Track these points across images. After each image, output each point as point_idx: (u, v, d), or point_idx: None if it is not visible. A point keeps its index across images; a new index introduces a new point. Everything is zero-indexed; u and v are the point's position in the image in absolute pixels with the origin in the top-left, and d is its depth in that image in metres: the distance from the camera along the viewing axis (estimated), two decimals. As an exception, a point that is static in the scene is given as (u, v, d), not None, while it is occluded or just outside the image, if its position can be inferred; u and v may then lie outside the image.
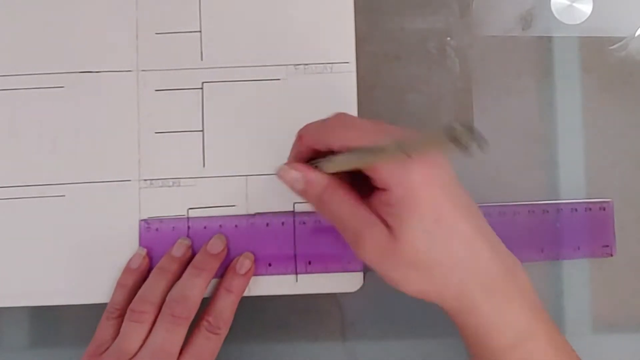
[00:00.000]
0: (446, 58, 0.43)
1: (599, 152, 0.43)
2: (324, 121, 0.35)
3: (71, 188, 0.41)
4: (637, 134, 0.43)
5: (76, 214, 0.41)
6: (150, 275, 0.39)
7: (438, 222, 0.32)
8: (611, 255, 0.41)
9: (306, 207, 0.41)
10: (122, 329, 0.37)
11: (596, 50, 0.43)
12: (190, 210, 0.41)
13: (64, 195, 0.41)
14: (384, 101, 0.43)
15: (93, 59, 0.42)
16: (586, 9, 0.43)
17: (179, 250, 0.40)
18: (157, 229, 0.41)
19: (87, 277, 0.41)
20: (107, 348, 0.37)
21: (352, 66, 0.42)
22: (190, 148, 0.42)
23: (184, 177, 0.42)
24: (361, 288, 0.41)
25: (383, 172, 0.32)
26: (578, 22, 0.43)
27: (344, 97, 0.42)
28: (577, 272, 0.42)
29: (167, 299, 0.37)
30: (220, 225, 0.41)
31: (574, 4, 0.43)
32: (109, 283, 0.40)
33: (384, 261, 0.33)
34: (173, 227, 0.41)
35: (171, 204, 0.41)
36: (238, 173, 0.42)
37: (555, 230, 0.41)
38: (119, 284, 0.40)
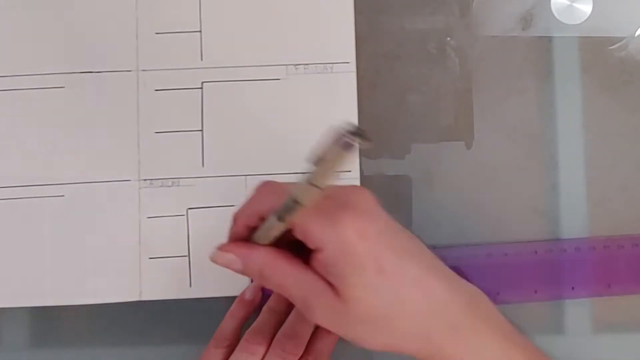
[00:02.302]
0: (446, 58, 0.43)
1: (599, 152, 0.43)
2: (251, 195, 0.34)
3: (71, 188, 0.41)
4: (637, 134, 0.43)
5: (76, 214, 0.41)
6: (263, 310, 0.39)
7: (381, 274, 0.30)
8: None
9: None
10: (232, 358, 0.37)
11: (596, 50, 0.43)
12: (189, 210, 0.41)
13: (63, 195, 0.41)
14: (384, 101, 0.43)
15: (93, 59, 0.42)
16: (586, 9, 0.43)
17: None
18: None
19: (87, 277, 0.41)
20: None
21: (352, 66, 0.42)
22: (190, 148, 0.42)
23: (183, 177, 0.42)
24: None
25: (314, 232, 0.30)
26: (578, 22, 0.43)
27: (344, 97, 0.42)
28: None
29: (278, 334, 0.37)
30: None
31: (574, 4, 0.43)
32: (109, 283, 0.40)
33: (338, 323, 0.32)
34: None
35: (171, 204, 0.41)
36: (237, 173, 0.42)
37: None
38: (230, 314, 0.39)
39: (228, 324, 0.39)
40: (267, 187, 0.33)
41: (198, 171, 0.42)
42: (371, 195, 0.32)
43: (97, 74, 0.42)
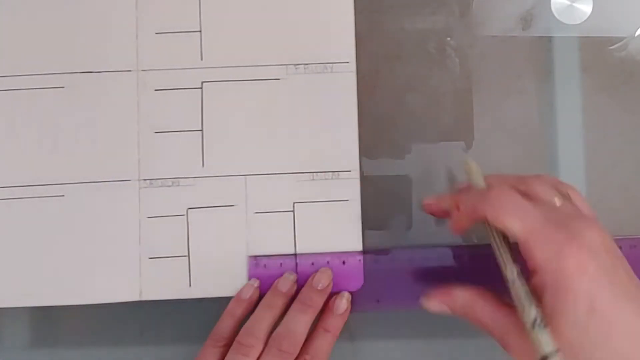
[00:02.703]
0: (446, 58, 0.43)
1: (599, 152, 0.43)
2: (482, 192, 0.34)
3: (71, 188, 0.41)
4: (637, 134, 0.43)
5: (76, 214, 0.41)
6: (257, 309, 0.39)
7: (593, 315, 0.30)
8: None
9: (306, 205, 0.41)
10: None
11: (596, 50, 0.43)
12: (189, 210, 0.41)
13: (63, 195, 0.41)
14: (384, 101, 0.43)
15: (93, 59, 0.42)
16: (586, 9, 0.43)
17: (285, 285, 0.40)
18: (264, 265, 0.41)
19: (87, 277, 0.41)
20: None
21: (352, 66, 0.42)
22: (190, 148, 0.42)
23: (183, 176, 0.42)
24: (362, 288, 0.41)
25: (536, 256, 0.31)
26: (578, 22, 0.43)
27: (344, 97, 0.42)
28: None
29: (274, 334, 0.38)
30: (328, 262, 0.41)
31: (574, 4, 0.43)
32: (109, 283, 0.40)
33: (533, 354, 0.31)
34: (281, 264, 0.41)
35: (171, 204, 0.41)
36: (237, 173, 0.42)
37: None
38: (228, 312, 0.40)
39: (225, 322, 0.39)
40: (501, 193, 0.33)
41: (198, 171, 0.42)
42: (603, 232, 0.32)
43: (97, 73, 0.42)
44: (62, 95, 0.42)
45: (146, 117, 0.42)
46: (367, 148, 0.42)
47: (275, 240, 0.41)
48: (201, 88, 0.42)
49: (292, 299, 0.40)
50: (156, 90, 0.42)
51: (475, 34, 0.43)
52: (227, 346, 0.38)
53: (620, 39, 0.43)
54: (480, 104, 0.43)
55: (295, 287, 0.40)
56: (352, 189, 0.41)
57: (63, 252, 0.41)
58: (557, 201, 0.33)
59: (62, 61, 0.42)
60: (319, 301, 0.39)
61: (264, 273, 0.41)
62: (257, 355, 0.37)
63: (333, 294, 0.40)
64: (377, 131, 0.42)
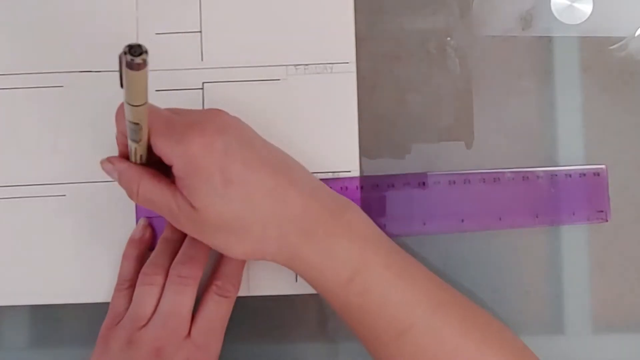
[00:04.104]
0: (446, 58, 0.43)
1: (599, 152, 0.43)
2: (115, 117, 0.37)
3: (71, 188, 0.41)
4: (637, 134, 0.43)
5: (76, 214, 0.41)
6: (157, 245, 0.40)
7: (229, 184, 0.33)
8: (606, 220, 0.41)
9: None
10: (134, 295, 0.38)
11: (596, 50, 0.43)
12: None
13: (64, 195, 0.41)
14: (384, 101, 0.43)
15: (93, 59, 0.42)
16: (586, 9, 0.43)
17: None
18: None
19: (87, 277, 0.41)
20: (123, 318, 0.38)
21: (352, 66, 0.42)
22: (191, 148, 0.42)
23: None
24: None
25: (164, 148, 0.33)
26: (578, 22, 0.43)
27: (344, 97, 0.42)
28: (577, 271, 0.42)
29: (174, 262, 0.38)
30: None
31: (574, 4, 0.43)
32: (109, 283, 0.40)
33: (200, 231, 0.35)
34: None
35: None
36: (238, 173, 0.42)
37: (549, 196, 0.41)
38: (125, 256, 0.40)
39: (124, 266, 0.40)
40: (120, 110, 0.36)
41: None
42: (230, 117, 0.35)
43: (97, 73, 0.42)
44: (62, 94, 0.42)
45: (146, 117, 0.42)
46: (367, 148, 0.42)
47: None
48: (202, 89, 0.42)
49: None
50: (157, 90, 0.42)
51: (475, 34, 0.43)
52: (132, 287, 0.38)
53: (620, 39, 0.43)
54: (480, 104, 0.43)
55: None
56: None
57: (63, 252, 0.41)
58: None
59: (62, 60, 0.42)
60: None
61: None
62: (162, 284, 0.37)
63: None
64: (377, 131, 0.42)
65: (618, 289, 0.42)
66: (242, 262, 0.39)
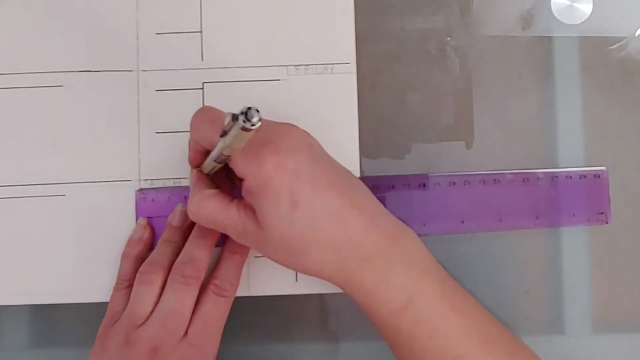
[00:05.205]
0: (446, 58, 0.43)
1: (599, 152, 0.43)
2: (191, 124, 0.37)
3: (71, 188, 0.41)
4: (637, 134, 0.43)
5: (76, 213, 0.41)
6: (157, 246, 0.40)
7: (296, 206, 0.33)
8: (606, 222, 0.42)
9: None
10: (132, 293, 0.38)
11: (596, 50, 0.43)
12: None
13: (64, 195, 0.41)
14: (384, 101, 0.43)
15: (93, 59, 0.42)
16: (586, 9, 0.43)
17: (178, 219, 0.40)
18: (152, 200, 0.41)
19: (87, 277, 0.41)
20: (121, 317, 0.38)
21: (353, 67, 0.42)
22: (191, 148, 0.42)
23: (184, 177, 0.42)
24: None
25: (239, 164, 0.34)
26: (578, 22, 0.43)
27: (344, 98, 0.42)
28: (577, 272, 0.42)
29: (176, 262, 0.38)
30: None
31: (574, 4, 0.43)
32: (109, 283, 0.40)
33: (262, 248, 0.35)
34: (168, 197, 0.41)
35: (171, 204, 0.41)
36: (238, 173, 0.42)
37: (550, 197, 0.41)
38: (124, 256, 0.40)
39: (123, 266, 0.40)
40: (202, 116, 0.36)
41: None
42: (301, 133, 0.35)
43: (97, 73, 0.42)
44: (62, 94, 0.42)
45: (147, 117, 0.42)
46: (367, 148, 0.42)
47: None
48: (202, 89, 0.42)
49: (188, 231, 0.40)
50: (157, 90, 0.42)
51: (475, 34, 0.43)
52: (131, 287, 0.38)
53: (620, 39, 0.43)
54: (480, 104, 0.43)
55: (188, 219, 0.40)
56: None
57: (63, 252, 0.41)
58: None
59: (62, 60, 0.42)
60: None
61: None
62: (160, 283, 0.37)
63: None
64: (377, 131, 0.43)
65: (618, 289, 0.42)
66: (242, 262, 0.39)
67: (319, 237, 0.34)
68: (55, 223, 0.41)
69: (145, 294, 0.37)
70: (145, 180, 0.41)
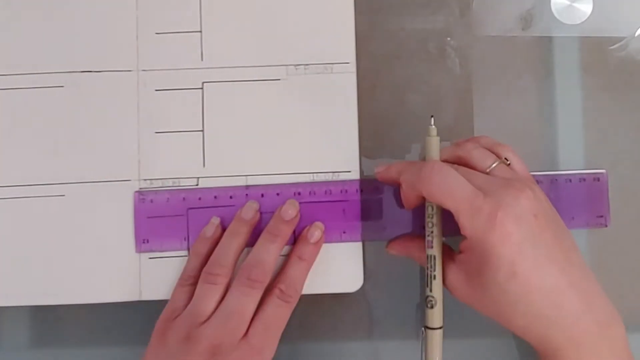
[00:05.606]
0: (446, 58, 0.43)
1: (599, 152, 0.43)
2: (419, 168, 0.36)
3: (71, 188, 0.41)
4: (637, 134, 0.43)
5: (76, 214, 0.41)
6: (222, 238, 0.40)
7: (514, 279, 0.33)
8: (605, 225, 0.42)
9: (307, 205, 0.41)
10: (196, 292, 0.38)
11: (596, 50, 0.43)
12: (189, 210, 0.41)
13: (64, 195, 0.41)
14: (384, 101, 0.43)
15: (93, 59, 0.42)
16: (586, 9, 0.43)
17: (248, 213, 0.40)
18: (151, 200, 0.41)
19: (87, 277, 0.41)
20: (181, 313, 0.38)
21: (352, 66, 0.42)
22: (191, 148, 0.42)
23: (184, 177, 0.42)
24: (362, 288, 0.41)
25: (465, 225, 0.34)
26: (578, 22, 0.43)
27: (344, 97, 0.42)
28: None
29: (244, 263, 0.38)
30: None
31: (574, 4, 0.43)
32: (109, 283, 0.40)
33: (474, 303, 0.35)
34: (167, 199, 0.41)
35: (171, 204, 0.41)
36: (238, 173, 0.42)
37: (549, 200, 0.41)
38: (193, 252, 0.40)
39: (191, 262, 0.40)
40: (435, 171, 0.35)
41: (199, 171, 0.42)
42: (531, 201, 0.34)
43: (97, 73, 0.42)
44: (62, 94, 0.42)
45: (146, 117, 0.42)
46: (367, 148, 0.42)
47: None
48: (202, 88, 0.42)
49: (258, 230, 0.40)
50: (156, 90, 0.42)
51: (475, 34, 0.43)
52: (195, 284, 0.39)
53: (620, 39, 0.43)
54: (481, 104, 0.43)
55: (258, 216, 0.40)
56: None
57: (63, 252, 0.41)
58: (493, 165, 0.36)
59: (62, 60, 0.42)
60: (287, 231, 0.40)
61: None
62: (225, 283, 0.38)
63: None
64: (377, 131, 0.43)
65: (617, 291, 0.41)
66: (308, 269, 0.40)
67: (529, 311, 0.33)
68: (55, 223, 0.41)
69: (209, 293, 0.37)
70: (145, 180, 0.41)
